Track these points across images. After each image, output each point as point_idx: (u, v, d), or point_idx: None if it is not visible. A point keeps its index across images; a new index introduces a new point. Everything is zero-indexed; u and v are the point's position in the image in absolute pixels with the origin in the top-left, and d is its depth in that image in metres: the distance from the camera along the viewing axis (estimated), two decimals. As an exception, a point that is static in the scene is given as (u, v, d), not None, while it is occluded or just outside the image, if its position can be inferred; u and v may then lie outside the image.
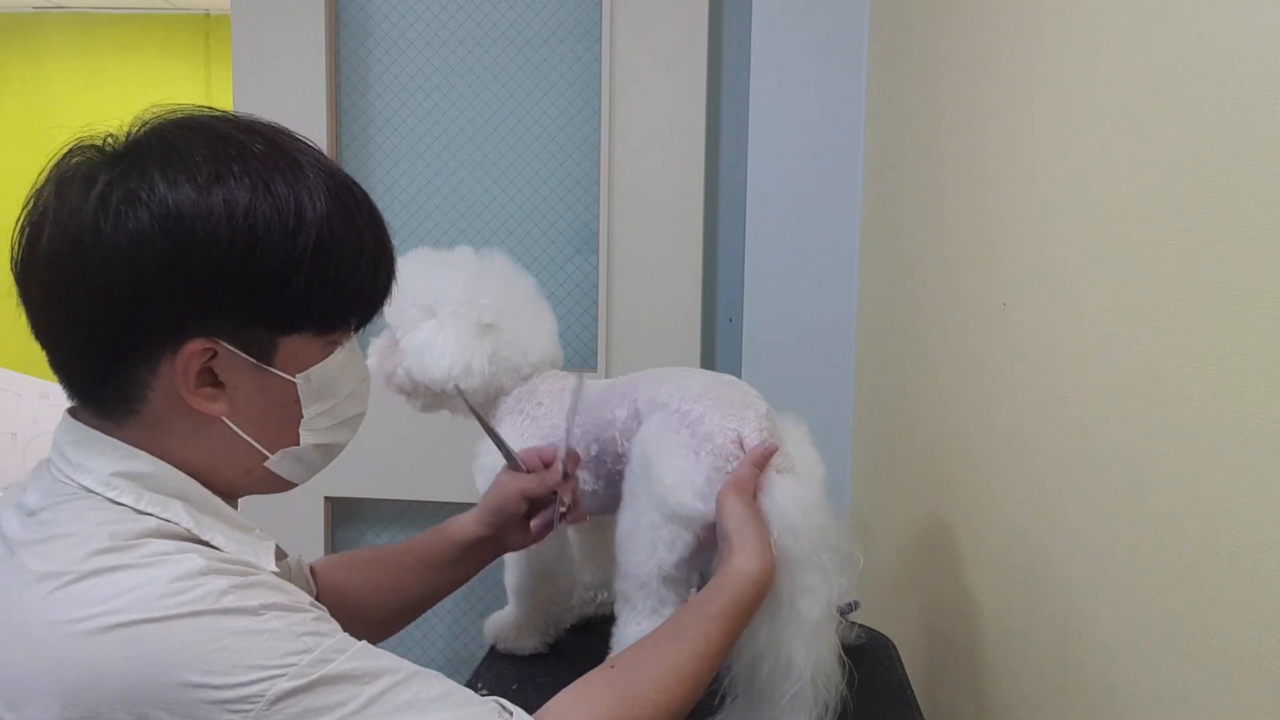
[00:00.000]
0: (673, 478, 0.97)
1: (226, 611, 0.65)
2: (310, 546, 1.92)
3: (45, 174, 0.71)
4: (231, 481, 0.76)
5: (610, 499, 1.12)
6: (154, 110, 0.73)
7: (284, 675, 0.64)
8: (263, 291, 0.70)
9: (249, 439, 0.75)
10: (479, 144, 1.88)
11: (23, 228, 0.71)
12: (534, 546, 1.13)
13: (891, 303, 1.56)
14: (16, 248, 0.71)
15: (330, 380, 0.77)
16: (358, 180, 0.76)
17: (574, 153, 1.86)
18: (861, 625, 1.28)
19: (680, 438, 0.98)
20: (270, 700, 0.63)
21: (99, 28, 4.70)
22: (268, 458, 0.77)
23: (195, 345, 0.69)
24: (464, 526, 1.08)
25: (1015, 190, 1.00)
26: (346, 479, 1.86)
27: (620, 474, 1.08)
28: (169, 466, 0.72)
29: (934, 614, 1.29)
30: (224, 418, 0.73)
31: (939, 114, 1.29)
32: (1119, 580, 0.77)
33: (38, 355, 0.75)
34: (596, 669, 0.80)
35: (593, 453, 1.12)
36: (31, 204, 0.71)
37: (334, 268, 0.72)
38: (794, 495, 0.93)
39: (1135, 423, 0.74)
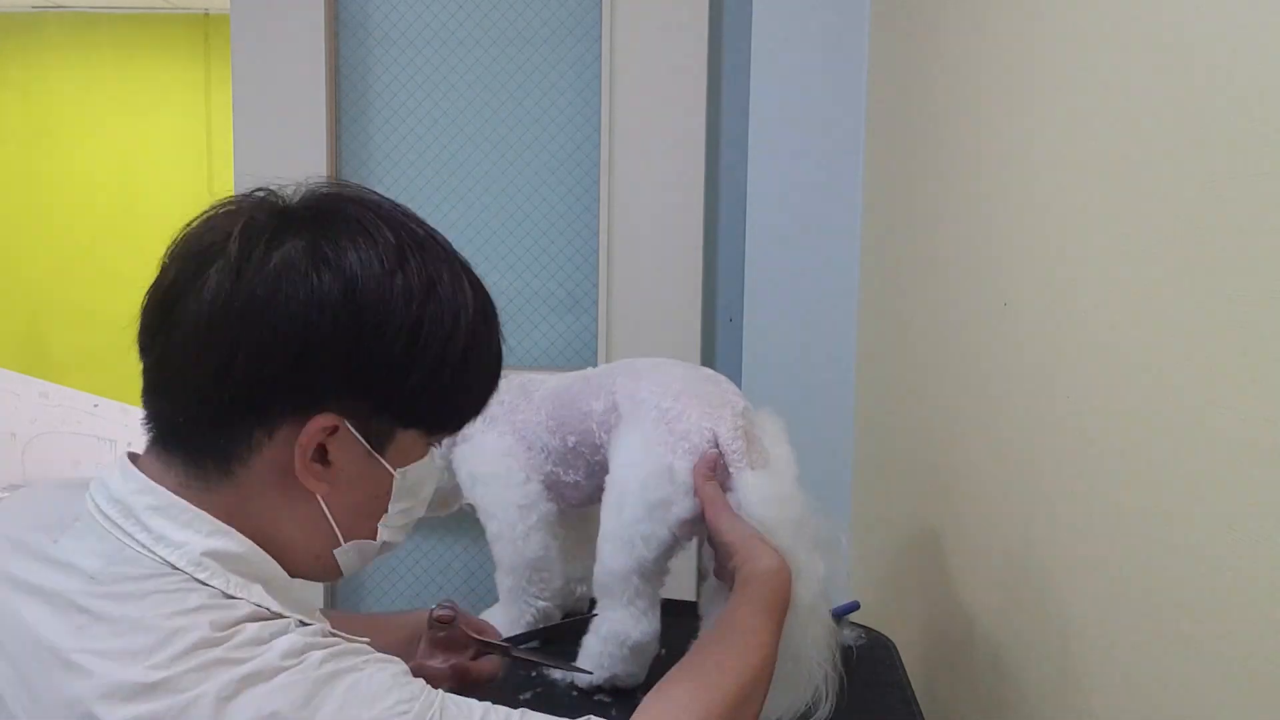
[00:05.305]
0: (652, 477, 1.00)
1: (333, 675, 0.64)
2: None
3: (208, 215, 0.70)
4: (296, 564, 0.74)
5: (593, 490, 1.14)
6: (316, 180, 0.73)
7: (407, 714, 0.63)
8: (407, 383, 0.70)
9: (334, 522, 0.74)
10: (479, 144, 1.88)
11: (176, 264, 0.69)
12: (521, 546, 1.17)
13: (892, 302, 1.56)
14: (164, 283, 0.69)
15: (419, 480, 0.77)
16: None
17: (574, 152, 1.86)
18: (861, 625, 1.28)
19: (658, 434, 1.00)
20: None
21: (98, 28, 4.69)
22: (340, 545, 0.75)
23: (325, 420, 0.69)
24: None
25: (1016, 190, 1.00)
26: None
27: (600, 465, 1.11)
28: (259, 549, 0.70)
29: (934, 614, 1.29)
30: (320, 497, 0.72)
31: (940, 114, 1.29)
32: (1119, 580, 0.77)
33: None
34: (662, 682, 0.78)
35: (569, 445, 1.14)
36: (187, 244, 0.70)
37: (470, 374, 0.74)
38: (763, 494, 0.96)
39: (1135, 422, 0.74)
